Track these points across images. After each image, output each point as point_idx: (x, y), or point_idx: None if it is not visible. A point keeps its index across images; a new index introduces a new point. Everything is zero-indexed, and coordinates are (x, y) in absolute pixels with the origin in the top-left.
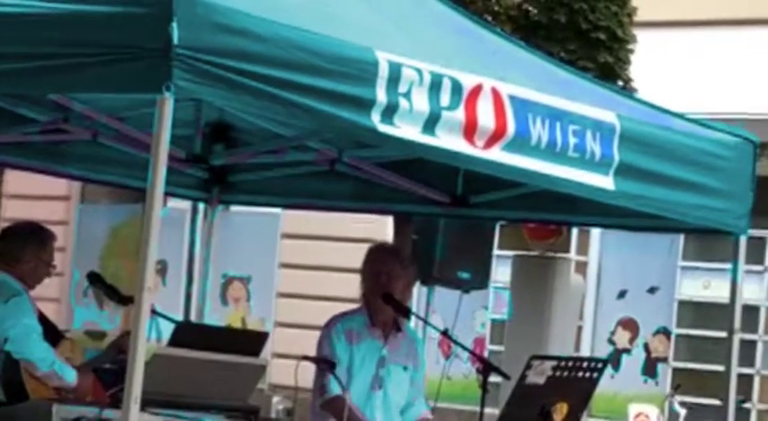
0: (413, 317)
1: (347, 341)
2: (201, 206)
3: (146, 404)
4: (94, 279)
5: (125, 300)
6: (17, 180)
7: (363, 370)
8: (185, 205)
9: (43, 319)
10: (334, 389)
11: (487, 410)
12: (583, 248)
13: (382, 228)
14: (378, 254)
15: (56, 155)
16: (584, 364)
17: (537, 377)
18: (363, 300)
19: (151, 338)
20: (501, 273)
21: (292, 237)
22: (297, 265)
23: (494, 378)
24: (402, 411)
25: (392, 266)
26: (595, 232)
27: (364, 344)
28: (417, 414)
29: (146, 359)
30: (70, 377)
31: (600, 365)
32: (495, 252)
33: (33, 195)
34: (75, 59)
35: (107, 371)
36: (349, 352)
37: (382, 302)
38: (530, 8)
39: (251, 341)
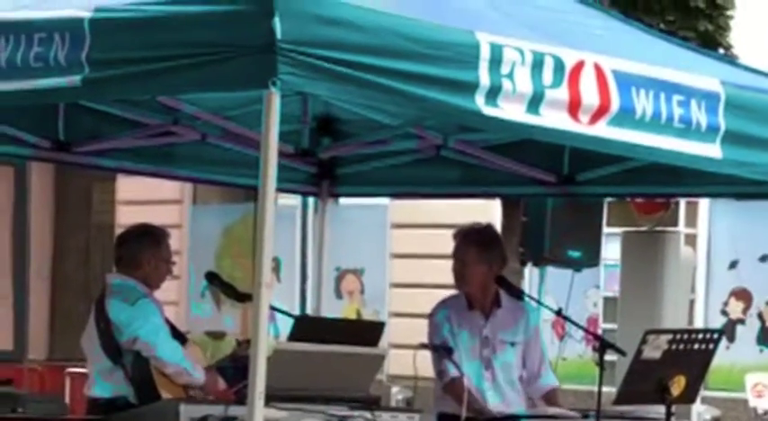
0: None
1: (449, 327)
2: (311, 201)
3: (270, 399)
4: (212, 278)
5: (243, 298)
6: (129, 186)
7: (469, 352)
8: (294, 202)
9: (168, 323)
10: (452, 372)
11: (604, 389)
12: (691, 221)
13: (491, 211)
14: (455, 239)
15: (166, 157)
16: (700, 336)
17: (653, 352)
18: None
19: (269, 336)
20: (611, 250)
21: (402, 227)
22: (408, 255)
23: (609, 356)
24: (533, 379)
25: (465, 251)
26: (704, 204)
27: (465, 328)
28: (545, 385)
29: (267, 355)
30: (198, 374)
31: (716, 336)
32: (605, 230)
33: (146, 200)
34: (181, 61)
35: (230, 369)
36: (452, 337)
37: (463, 286)
38: None
39: (369, 331)
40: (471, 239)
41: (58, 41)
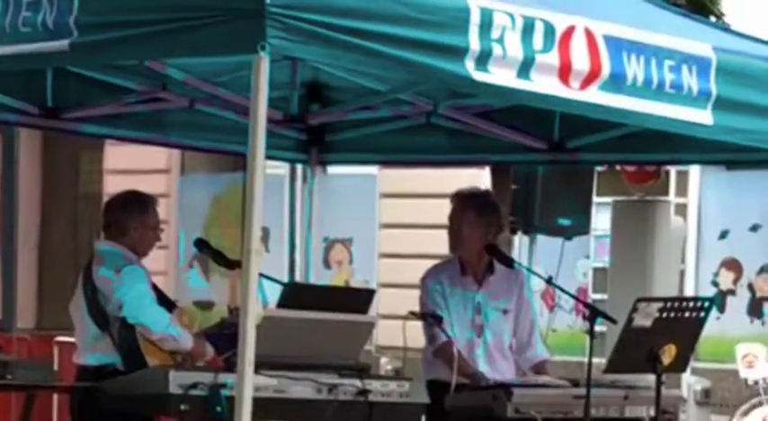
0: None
1: (441, 293)
2: (299, 171)
3: (259, 366)
4: (201, 245)
5: (232, 265)
6: (117, 155)
7: (461, 319)
8: (282, 172)
9: (155, 289)
10: (443, 336)
11: (594, 360)
12: (682, 190)
13: (480, 181)
14: (453, 202)
15: (154, 124)
16: (691, 304)
17: (644, 320)
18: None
19: (258, 303)
20: (601, 220)
21: (391, 197)
22: (397, 225)
23: (599, 327)
24: (523, 349)
25: (463, 214)
26: (694, 174)
27: (458, 294)
28: (535, 357)
29: (256, 322)
30: (186, 340)
31: (706, 304)
32: (594, 199)
33: (133, 170)
34: (168, 25)
35: (220, 337)
36: (444, 303)
37: (458, 249)
38: None
39: (358, 299)
40: (470, 203)
41: (46, 6)
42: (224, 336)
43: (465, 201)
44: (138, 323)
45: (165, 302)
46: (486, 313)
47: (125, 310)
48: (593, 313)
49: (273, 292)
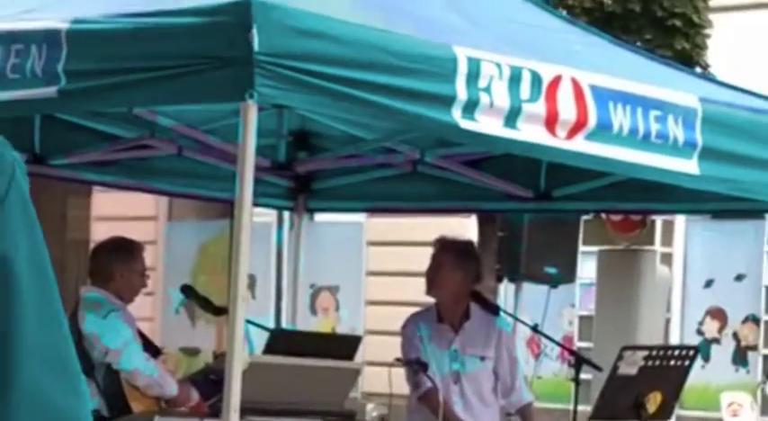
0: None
1: (420, 339)
2: (286, 219)
3: (244, 412)
4: (188, 291)
5: (219, 311)
6: (105, 202)
7: (438, 366)
8: (269, 219)
9: (141, 336)
10: (427, 383)
11: (579, 408)
12: (667, 239)
13: (467, 230)
14: (434, 247)
15: (142, 171)
16: (676, 353)
17: (629, 368)
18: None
19: (244, 351)
20: (586, 269)
21: (378, 245)
22: (384, 272)
23: (584, 375)
24: (507, 394)
25: (442, 256)
26: (680, 223)
27: (434, 342)
28: (518, 401)
29: (243, 368)
30: (171, 386)
31: (691, 353)
32: (580, 248)
33: (121, 216)
34: (158, 73)
35: (205, 382)
36: (423, 349)
37: (433, 291)
38: (604, 0)
39: (344, 345)
40: (450, 246)
41: (35, 53)
42: (209, 382)
43: (445, 246)
44: (122, 369)
45: (151, 348)
46: (462, 361)
47: (110, 356)
48: (578, 361)
49: (259, 340)
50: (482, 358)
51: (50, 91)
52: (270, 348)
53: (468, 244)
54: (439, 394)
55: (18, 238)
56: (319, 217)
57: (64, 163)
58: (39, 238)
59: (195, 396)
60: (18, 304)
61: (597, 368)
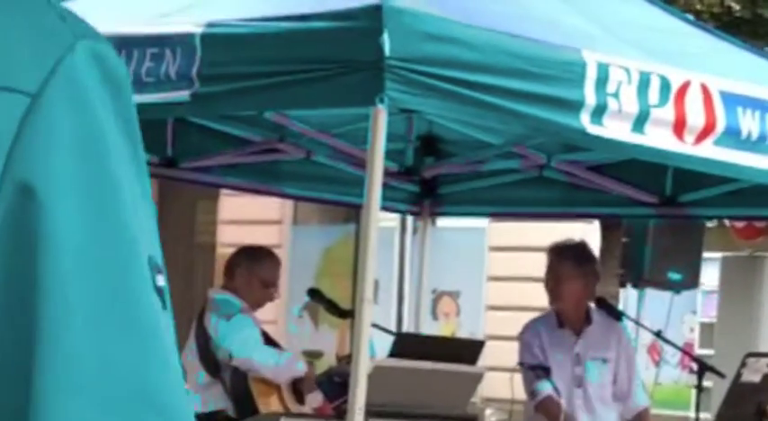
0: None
1: (539, 346)
2: (410, 224)
3: (368, 415)
4: (314, 294)
5: (344, 314)
6: (231, 206)
7: (560, 370)
8: (393, 224)
9: (266, 337)
10: (546, 391)
11: (700, 415)
12: None
13: (589, 235)
14: (549, 256)
15: (270, 174)
16: None
17: (752, 375)
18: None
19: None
20: (708, 275)
21: (499, 250)
22: (505, 278)
23: (705, 382)
24: (623, 398)
25: (559, 267)
26: None
27: (556, 346)
28: (635, 406)
29: (367, 371)
30: (297, 363)
31: None
32: (703, 254)
33: (247, 220)
34: (289, 77)
35: (329, 384)
36: (543, 355)
37: (560, 303)
38: (732, 4)
39: (468, 350)
40: (565, 255)
41: (169, 57)
42: (333, 384)
43: (561, 254)
44: (248, 368)
45: (273, 345)
46: (586, 365)
47: (234, 351)
48: (701, 368)
49: (382, 344)
50: (604, 360)
51: (184, 94)
52: (394, 352)
53: (583, 246)
54: (559, 402)
55: (58, 161)
56: (441, 222)
57: (194, 166)
58: (110, 166)
59: (320, 397)
60: (52, 276)
61: (721, 375)
